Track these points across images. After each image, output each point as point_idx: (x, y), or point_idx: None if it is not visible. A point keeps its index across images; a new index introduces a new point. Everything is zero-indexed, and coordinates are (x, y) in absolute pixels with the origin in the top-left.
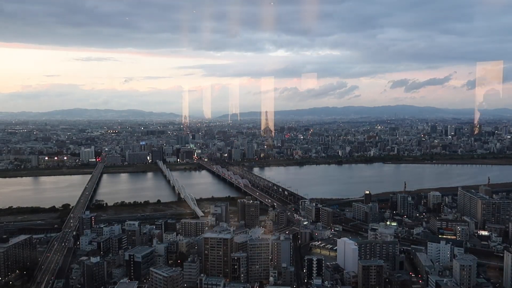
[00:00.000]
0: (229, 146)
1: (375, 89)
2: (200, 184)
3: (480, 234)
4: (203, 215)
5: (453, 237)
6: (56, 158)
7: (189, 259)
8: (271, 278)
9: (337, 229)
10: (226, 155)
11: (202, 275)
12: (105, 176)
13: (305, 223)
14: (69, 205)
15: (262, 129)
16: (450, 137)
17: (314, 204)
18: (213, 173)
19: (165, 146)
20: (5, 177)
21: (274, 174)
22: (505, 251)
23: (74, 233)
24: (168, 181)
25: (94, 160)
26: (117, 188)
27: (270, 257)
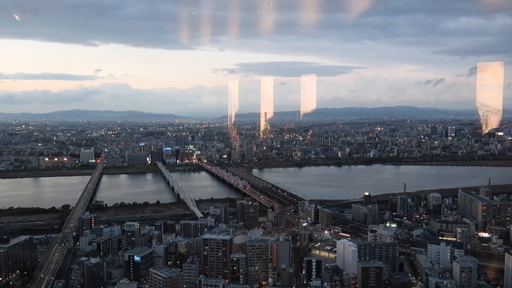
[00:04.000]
0: (228, 147)
1: None
2: (199, 185)
3: (481, 236)
4: (202, 216)
5: (453, 239)
6: (56, 159)
7: (188, 260)
8: (270, 280)
9: (336, 230)
10: (225, 156)
11: (201, 276)
12: (104, 177)
13: (304, 224)
14: (69, 206)
15: (261, 130)
16: (450, 138)
17: (313, 205)
18: (212, 174)
19: (164, 147)
20: (5, 178)
21: (273, 175)
22: (505, 253)
23: (74, 233)
24: (168, 182)
25: (94, 161)
26: (116, 189)
27: (270, 259)
